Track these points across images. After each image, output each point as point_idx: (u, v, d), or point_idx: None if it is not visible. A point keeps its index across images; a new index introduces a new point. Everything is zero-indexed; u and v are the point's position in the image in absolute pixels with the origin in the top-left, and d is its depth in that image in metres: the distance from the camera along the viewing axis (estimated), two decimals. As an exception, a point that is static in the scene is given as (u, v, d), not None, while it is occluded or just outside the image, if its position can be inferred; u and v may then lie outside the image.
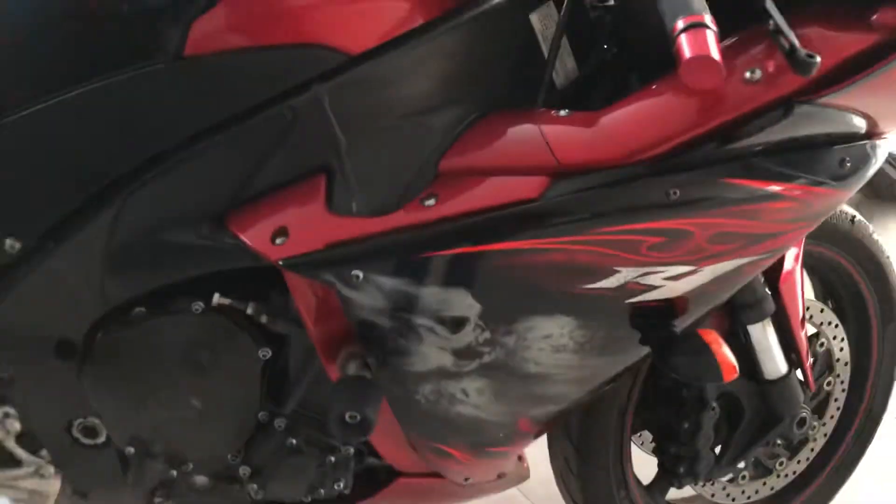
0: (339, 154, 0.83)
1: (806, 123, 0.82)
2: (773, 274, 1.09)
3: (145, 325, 0.95)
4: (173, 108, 0.84)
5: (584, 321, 0.89)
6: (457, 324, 0.86)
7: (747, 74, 0.79)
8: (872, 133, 0.90)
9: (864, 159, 0.89)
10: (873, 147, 0.90)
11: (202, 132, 0.84)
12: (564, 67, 0.93)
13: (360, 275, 0.82)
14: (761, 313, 1.08)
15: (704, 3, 0.70)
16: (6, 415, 1.06)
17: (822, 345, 1.26)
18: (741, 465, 1.23)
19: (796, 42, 0.72)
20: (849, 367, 1.30)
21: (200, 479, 1.11)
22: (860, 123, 0.87)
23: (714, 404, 1.12)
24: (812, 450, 1.32)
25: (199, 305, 0.94)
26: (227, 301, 0.94)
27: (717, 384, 1.12)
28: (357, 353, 0.89)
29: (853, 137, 0.88)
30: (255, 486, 1.02)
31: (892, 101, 0.86)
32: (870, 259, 1.26)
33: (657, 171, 0.81)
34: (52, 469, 1.11)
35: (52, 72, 0.85)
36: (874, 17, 0.81)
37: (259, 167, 0.85)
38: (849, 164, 0.88)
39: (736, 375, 0.90)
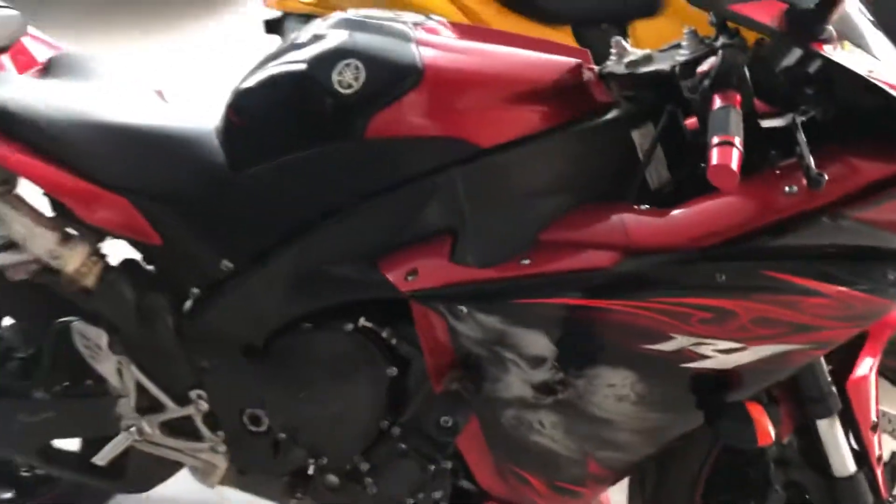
0: (464, 221, 1.10)
1: (838, 234, 0.99)
2: (843, 375, 1.21)
3: (309, 337, 1.25)
4: (354, 175, 1.15)
5: (643, 377, 1.08)
6: (536, 362, 1.09)
7: (787, 189, 0.99)
8: None
9: None
10: None
11: (370, 195, 1.15)
12: (658, 174, 1.15)
13: (465, 310, 1.08)
14: (827, 409, 1.20)
15: (740, 128, 0.92)
16: (199, 396, 1.39)
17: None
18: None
19: (812, 163, 0.91)
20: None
21: (331, 479, 1.37)
22: None
23: (777, 487, 1.23)
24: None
25: (349, 326, 1.22)
26: (369, 324, 1.22)
27: (782, 471, 1.24)
28: (458, 376, 1.13)
29: None
30: (370, 480, 1.27)
31: None
32: None
33: (709, 257, 1.01)
34: (224, 447, 1.42)
35: (279, 142, 1.20)
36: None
37: (406, 225, 1.14)
38: (892, 277, 1.02)
39: (770, 442, 1.05)
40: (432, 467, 1.24)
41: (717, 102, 0.95)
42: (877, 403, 1.25)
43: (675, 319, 1.03)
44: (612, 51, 1.19)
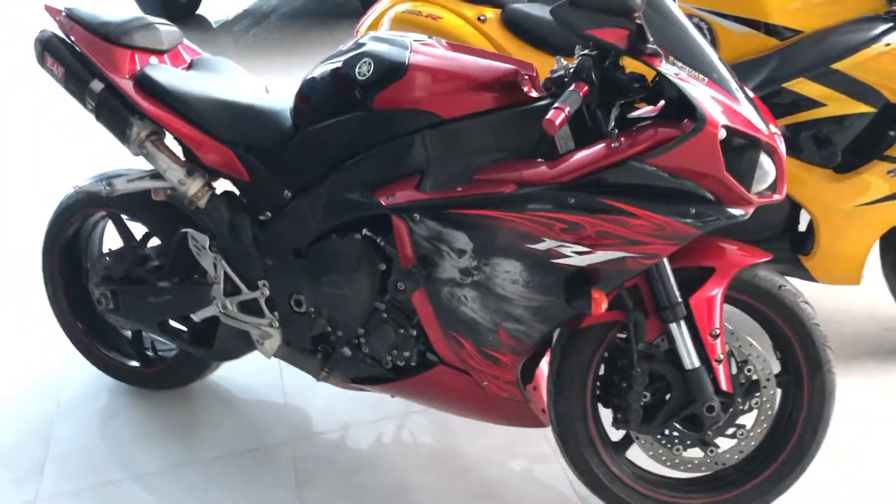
0: (429, 165, 1.72)
1: (642, 174, 1.53)
2: (689, 293, 1.73)
3: (334, 242, 1.89)
4: (365, 133, 1.80)
5: (527, 267, 1.66)
6: (460, 253, 1.69)
7: (613, 144, 1.56)
8: (727, 201, 1.56)
9: (711, 213, 1.56)
10: (719, 209, 1.56)
11: (373, 147, 1.79)
12: (566, 143, 1.72)
13: (418, 217, 1.69)
14: (674, 315, 1.72)
15: (574, 101, 1.49)
16: (264, 284, 2.06)
17: (749, 370, 1.82)
18: (666, 430, 1.81)
19: (608, 126, 1.50)
20: (776, 395, 1.82)
21: (345, 351, 1.99)
22: (706, 193, 1.54)
23: (638, 369, 1.75)
24: (741, 451, 1.84)
25: (358, 235, 1.86)
26: (370, 234, 1.84)
27: (648, 363, 1.76)
28: (414, 263, 1.74)
29: (706, 200, 1.55)
30: (363, 341, 1.89)
31: (696, 165, 1.52)
32: (799, 322, 1.80)
33: (565, 187, 1.58)
34: (277, 323, 2.07)
35: (323, 112, 1.86)
36: (683, 122, 1.53)
37: (393, 167, 1.76)
38: (694, 211, 1.56)
39: (599, 311, 1.60)
40: (402, 331, 1.85)
41: (571, 87, 1.53)
42: (720, 319, 1.75)
43: (544, 227, 1.61)
44: (555, 66, 1.78)
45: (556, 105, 1.49)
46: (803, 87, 2.14)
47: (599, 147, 1.59)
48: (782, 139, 1.65)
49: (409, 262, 1.76)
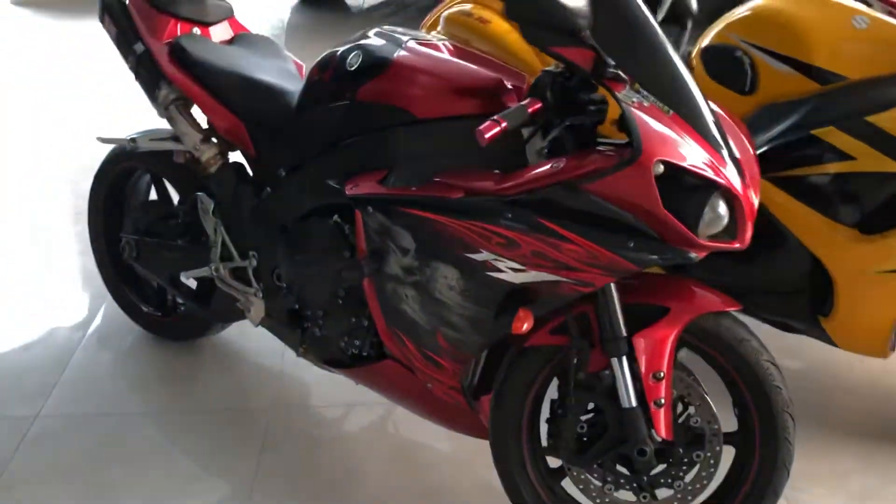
0: (396, 161, 1.74)
1: (577, 197, 1.48)
2: (636, 329, 1.66)
3: (312, 223, 1.95)
4: (347, 122, 1.84)
5: (464, 275, 1.65)
6: (404, 251, 1.70)
7: (552, 165, 1.52)
8: (671, 240, 1.50)
9: (651, 250, 1.50)
10: (662, 247, 1.50)
11: (354, 136, 1.83)
12: (538, 156, 1.69)
13: (371, 209, 1.72)
14: (616, 350, 1.66)
15: (514, 118, 1.47)
16: (253, 255, 2.15)
17: (695, 422, 1.73)
18: (600, 466, 1.75)
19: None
20: (721, 453, 1.73)
21: (316, 331, 2.05)
22: (647, 229, 1.48)
23: (574, 398, 1.71)
24: (679, 498, 1.76)
25: (331, 220, 1.91)
26: (339, 221, 1.89)
27: (587, 394, 1.71)
28: (364, 256, 1.77)
29: (644, 233, 1.50)
30: (322, 323, 1.95)
31: (632, 196, 1.45)
32: (757, 383, 1.70)
33: (506, 202, 1.56)
34: (262, 293, 2.16)
35: (317, 97, 1.92)
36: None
37: (366, 159, 1.80)
38: (632, 245, 1.50)
39: (520, 331, 1.57)
40: (354, 320, 1.89)
41: (522, 103, 1.52)
42: (668, 362, 1.67)
43: (482, 239, 1.59)
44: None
45: (494, 117, 1.48)
46: (834, 137, 2.00)
47: (545, 166, 1.56)
48: (753, 191, 1.56)
49: (363, 254, 1.79)
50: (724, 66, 2.21)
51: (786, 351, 2.51)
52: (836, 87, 2.04)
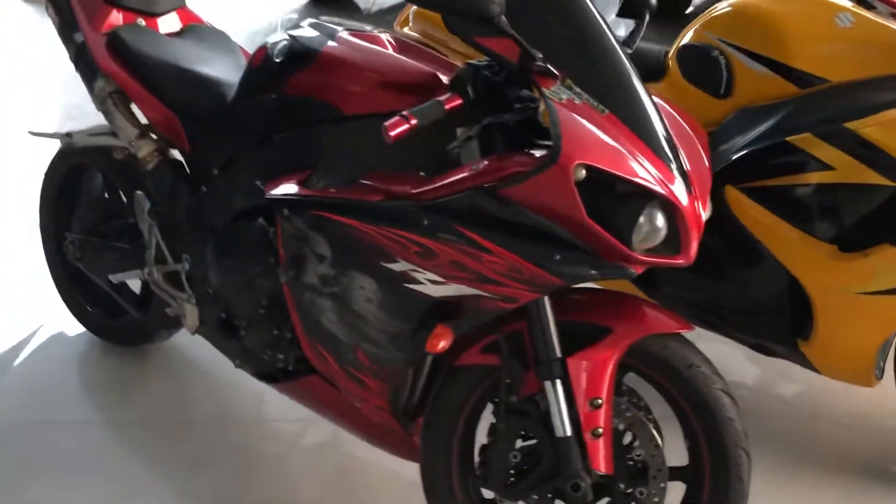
0: (321, 161, 1.61)
1: (493, 202, 1.33)
2: (573, 350, 1.50)
3: (239, 225, 1.82)
4: (274, 118, 1.71)
5: (381, 286, 1.50)
6: (320, 259, 1.56)
7: (472, 167, 1.37)
8: (604, 253, 1.34)
9: (580, 263, 1.34)
10: (594, 261, 1.34)
11: (282, 131, 1.69)
12: (471, 156, 1.54)
13: (287, 212, 1.58)
14: (549, 374, 1.50)
15: (425, 115, 1.32)
16: (185, 259, 2.02)
17: (639, 455, 1.57)
18: (532, 500, 1.59)
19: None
20: (665, 490, 1.56)
21: (245, 343, 1.90)
22: (576, 241, 1.33)
23: (503, 423, 1.56)
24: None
25: (257, 223, 1.77)
26: (265, 224, 1.75)
27: (521, 421, 1.55)
28: (283, 265, 1.63)
29: (574, 246, 1.34)
30: (245, 333, 1.81)
31: (553, 204, 1.30)
32: (708, 413, 1.53)
33: (424, 207, 1.41)
34: (194, 300, 2.03)
35: (247, 92, 1.79)
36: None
37: (292, 157, 1.66)
38: (558, 258, 1.35)
39: (434, 351, 1.42)
40: (276, 332, 1.75)
41: (437, 98, 1.37)
42: (608, 388, 1.51)
43: (399, 247, 1.45)
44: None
45: (404, 112, 1.33)
46: (810, 144, 1.83)
47: (464, 169, 1.41)
48: (702, 202, 1.41)
49: (282, 260, 1.66)
50: (699, 67, 2.06)
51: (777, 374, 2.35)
52: (816, 91, 1.87)
